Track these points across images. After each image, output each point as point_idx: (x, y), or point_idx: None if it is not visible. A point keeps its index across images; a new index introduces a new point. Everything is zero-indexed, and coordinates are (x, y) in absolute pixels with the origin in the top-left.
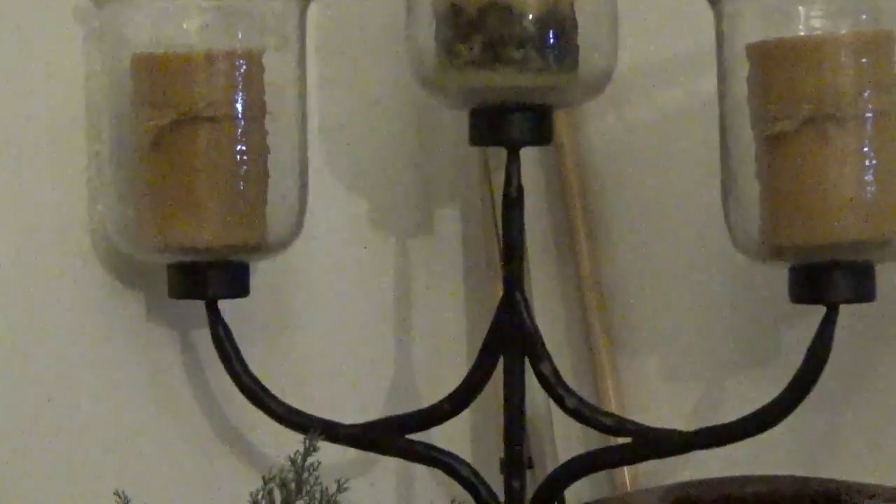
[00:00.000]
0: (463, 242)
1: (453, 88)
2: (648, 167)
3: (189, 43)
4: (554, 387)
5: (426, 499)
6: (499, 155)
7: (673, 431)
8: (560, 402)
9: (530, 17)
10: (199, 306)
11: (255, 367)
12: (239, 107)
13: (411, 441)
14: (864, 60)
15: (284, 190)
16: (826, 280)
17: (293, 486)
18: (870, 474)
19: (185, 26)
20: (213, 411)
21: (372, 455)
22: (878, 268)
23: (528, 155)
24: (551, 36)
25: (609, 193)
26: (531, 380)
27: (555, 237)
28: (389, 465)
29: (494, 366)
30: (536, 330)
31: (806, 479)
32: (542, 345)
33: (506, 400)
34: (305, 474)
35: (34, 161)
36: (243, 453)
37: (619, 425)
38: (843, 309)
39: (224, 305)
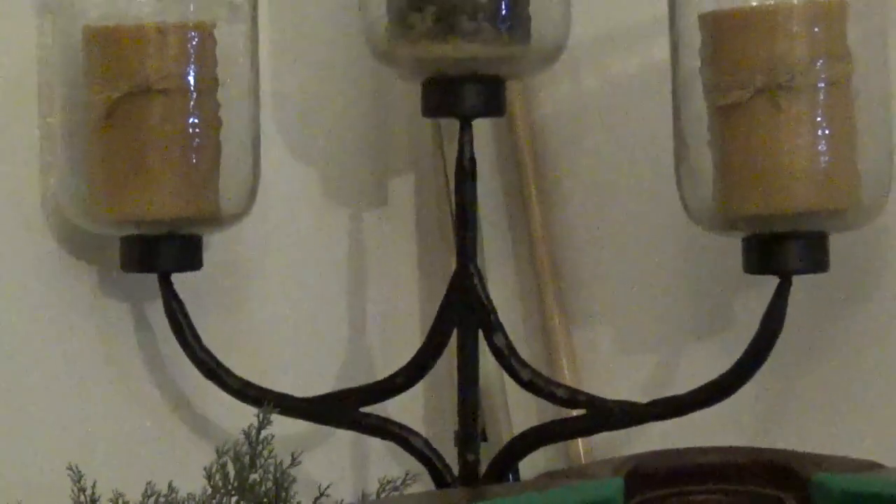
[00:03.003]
0: (416, 214)
1: (406, 59)
2: (602, 137)
3: (141, 15)
4: (508, 359)
5: (380, 471)
6: (452, 126)
7: (626, 403)
8: (514, 374)
9: None
10: (152, 279)
11: (208, 340)
12: (191, 79)
13: (366, 414)
14: (816, 30)
15: (237, 162)
16: (779, 250)
17: (247, 459)
18: (823, 445)
19: None
20: (167, 385)
21: (326, 428)
22: (832, 238)
23: (480, 125)
24: (503, 7)
25: (562, 164)
26: (485, 352)
27: (508, 208)
28: (344, 438)
29: (448, 338)
30: (490, 302)
31: (760, 450)
32: (496, 317)
33: (460, 372)
34: (259, 447)
35: None
36: (198, 426)
37: (572, 397)
38: (797, 279)
39: (177, 278)
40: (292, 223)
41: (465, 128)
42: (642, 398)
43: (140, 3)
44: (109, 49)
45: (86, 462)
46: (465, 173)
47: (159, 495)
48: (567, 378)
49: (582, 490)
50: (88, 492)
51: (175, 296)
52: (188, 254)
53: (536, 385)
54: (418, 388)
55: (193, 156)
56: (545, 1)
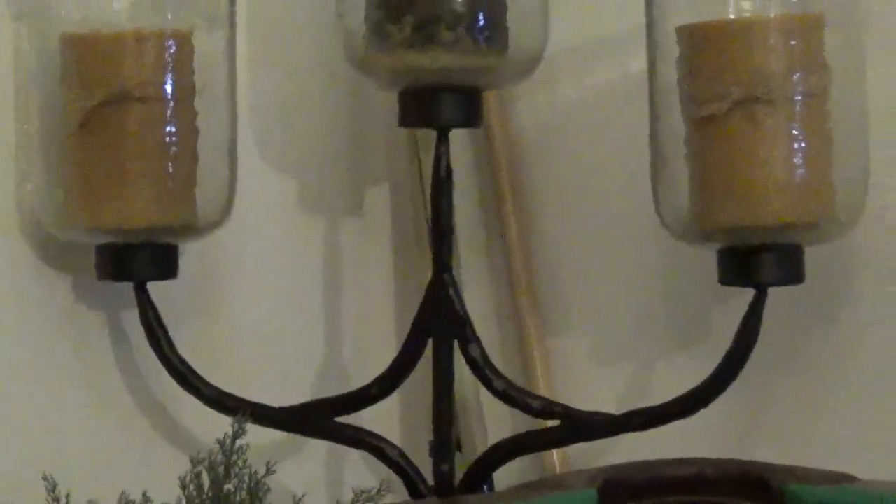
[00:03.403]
0: (392, 224)
1: (383, 69)
2: (579, 148)
3: (118, 22)
4: (482, 369)
5: (355, 481)
6: (429, 136)
7: (601, 414)
8: (488, 384)
9: None
10: (127, 288)
11: (183, 349)
12: (168, 87)
13: (340, 424)
14: (793, 43)
15: (214, 171)
16: (755, 262)
17: (221, 468)
18: (798, 456)
19: (114, 5)
20: (142, 394)
21: (301, 437)
22: (808, 250)
23: (457, 136)
24: (481, 17)
25: (539, 174)
26: (461, 362)
27: (484, 219)
28: (318, 448)
29: (423, 348)
30: (465, 312)
31: (734, 462)
32: (472, 327)
33: (435, 382)
34: (234, 457)
35: None
36: (172, 435)
37: (547, 408)
38: (773, 291)
39: (153, 287)
40: (269, 232)
41: (442, 138)
42: (617, 409)
43: (117, 10)
44: (86, 56)
45: (60, 470)
46: (442, 183)
47: None
48: (542, 389)
49: (556, 501)
50: (63, 501)
51: (150, 304)
52: (164, 262)
53: (511, 395)
54: (393, 398)
55: (170, 164)
56: (523, 11)
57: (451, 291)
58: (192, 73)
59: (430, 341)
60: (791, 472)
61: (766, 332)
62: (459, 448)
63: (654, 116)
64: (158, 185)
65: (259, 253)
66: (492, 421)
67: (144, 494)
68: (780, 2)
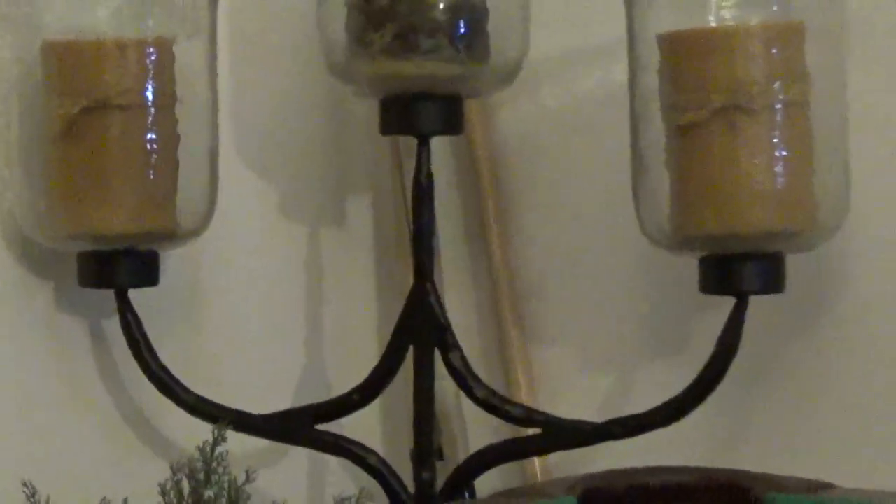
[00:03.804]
0: (374, 232)
1: (364, 77)
2: (561, 156)
3: (100, 30)
4: (464, 377)
5: (336, 489)
6: (410, 143)
7: (582, 422)
8: (469, 392)
9: (442, 5)
10: (109, 295)
11: (164, 357)
12: (149, 95)
13: (321, 431)
14: (774, 51)
15: (195, 178)
16: (736, 271)
17: (202, 475)
18: (779, 465)
19: (96, 13)
20: (123, 401)
21: (282, 445)
22: (789, 259)
23: (439, 143)
24: (462, 25)
25: (521, 182)
26: (442, 370)
27: (466, 226)
28: (299, 455)
29: (404, 356)
30: (447, 319)
31: (715, 470)
32: (453, 335)
33: (415, 390)
34: (214, 464)
35: None
36: (154, 443)
37: (528, 416)
38: (754, 299)
39: (135, 294)
40: (250, 239)
41: (423, 145)
42: (599, 417)
43: (99, 17)
44: (68, 63)
45: (40, 477)
46: (423, 190)
47: None
48: (524, 396)
49: None
50: None
51: (132, 312)
52: (145, 270)
53: (492, 403)
54: (374, 406)
55: (151, 172)
56: (504, 19)
57: (433, 299)
58: (174, 80)
59: (411, 349)
60: (770, 480)
61: (748, 339)
62: (441, 456)
63: (635, 124)
64: (139, 193)
65: (240, 260)
66: (473, 429)
67: (125, 501)
68: (761, 10)
